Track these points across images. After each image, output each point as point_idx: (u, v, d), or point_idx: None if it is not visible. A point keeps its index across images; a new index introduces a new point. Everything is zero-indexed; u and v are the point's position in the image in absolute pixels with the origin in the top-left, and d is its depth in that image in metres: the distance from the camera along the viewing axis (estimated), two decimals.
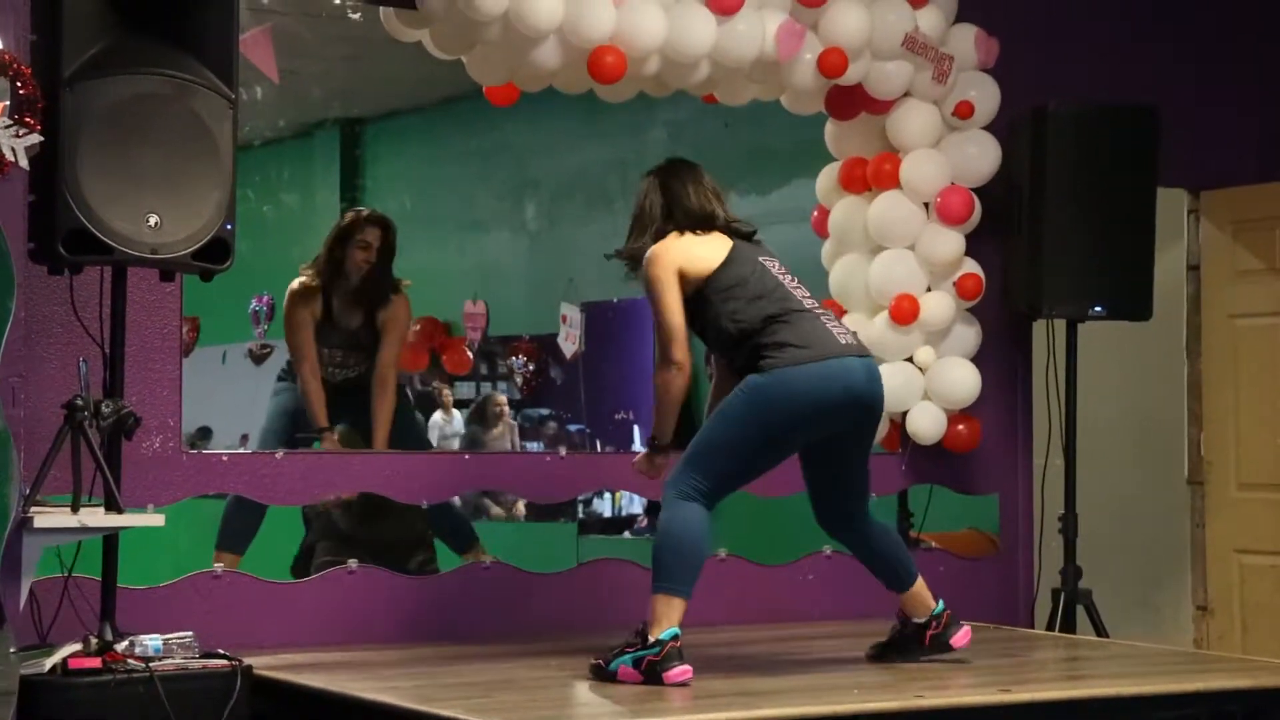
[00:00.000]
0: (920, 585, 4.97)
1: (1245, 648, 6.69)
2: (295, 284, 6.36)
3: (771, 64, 5.75)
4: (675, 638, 4.53)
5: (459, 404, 8.05)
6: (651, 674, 4.49)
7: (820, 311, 4.81)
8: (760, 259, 4.84)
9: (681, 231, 4.85)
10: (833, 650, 5.12)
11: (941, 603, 4.96)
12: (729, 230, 4.87)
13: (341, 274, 6.34)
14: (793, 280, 4.84)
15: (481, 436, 7.74)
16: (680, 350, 4.77)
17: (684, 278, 4.79)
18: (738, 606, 5.99)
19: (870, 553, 5.00)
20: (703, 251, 4.81)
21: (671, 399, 4.84)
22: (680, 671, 4.49)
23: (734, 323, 4.74)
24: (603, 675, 4.59)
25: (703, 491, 4.67)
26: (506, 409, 7.87)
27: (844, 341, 4.73)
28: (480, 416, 7.86)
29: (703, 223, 4.86)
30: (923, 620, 4.94)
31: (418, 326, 7.64)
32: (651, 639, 4.53)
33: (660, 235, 4.87)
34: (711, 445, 4.72)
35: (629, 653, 4.56)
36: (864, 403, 4.75)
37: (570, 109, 6.45)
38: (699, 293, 4.79)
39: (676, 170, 4.97)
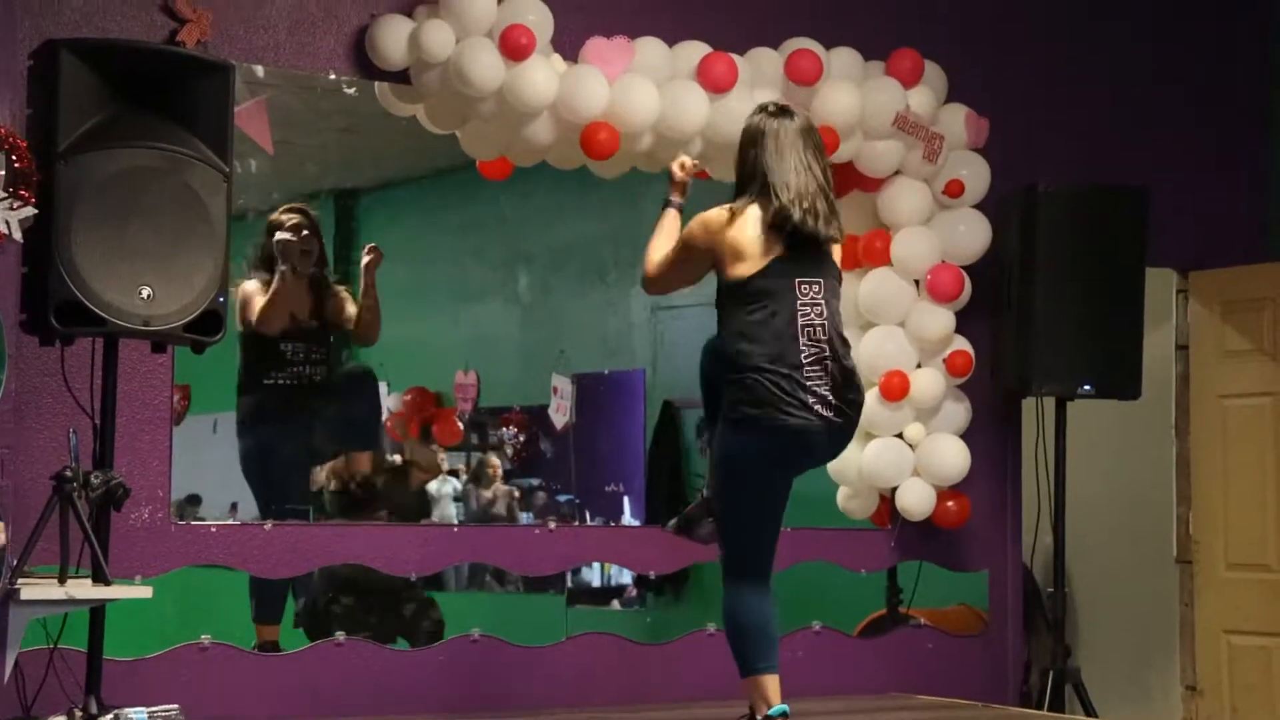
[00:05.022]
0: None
1: None
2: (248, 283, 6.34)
3: None
4: (784, 715, 4.54)
5: (449, 474, 8.06)
6: None
7: (814, 365, 4.55)
8: (798, 282, 4.58)
9: (745, 207, 4.63)
10: None
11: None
12: (791, 235, 4.58)
13: (277, 264, 6.32)
14: (819, 315, 4.59)
15: (475, 493, 7.79)
16: (644, 276, 4.82)
17: (716, 253, 4.62)
18: (726, 680, 5.97)
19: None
20: (748, 247, 4.58)
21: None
22: None
23: (734, 338, 4.59)
24: None
25: (740, 569, 4.67)
26: (499, 470, 7.90)
27: (813, 412, 4.53)
28: (476, 479, 7.93)
29: (774, 215, 4.59)
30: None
31: (408, 397, 7.65)
32: (759, 718, 4.56)
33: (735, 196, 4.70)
34: (722, 524, 4.73)
35: None
36: (806, 455, 4.66)
37: (563, 183, 6.48)
38: (723, 284, 4.64)
39: (777, 131, 4.68)
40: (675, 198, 4.94)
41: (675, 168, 5.01)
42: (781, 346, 4.55)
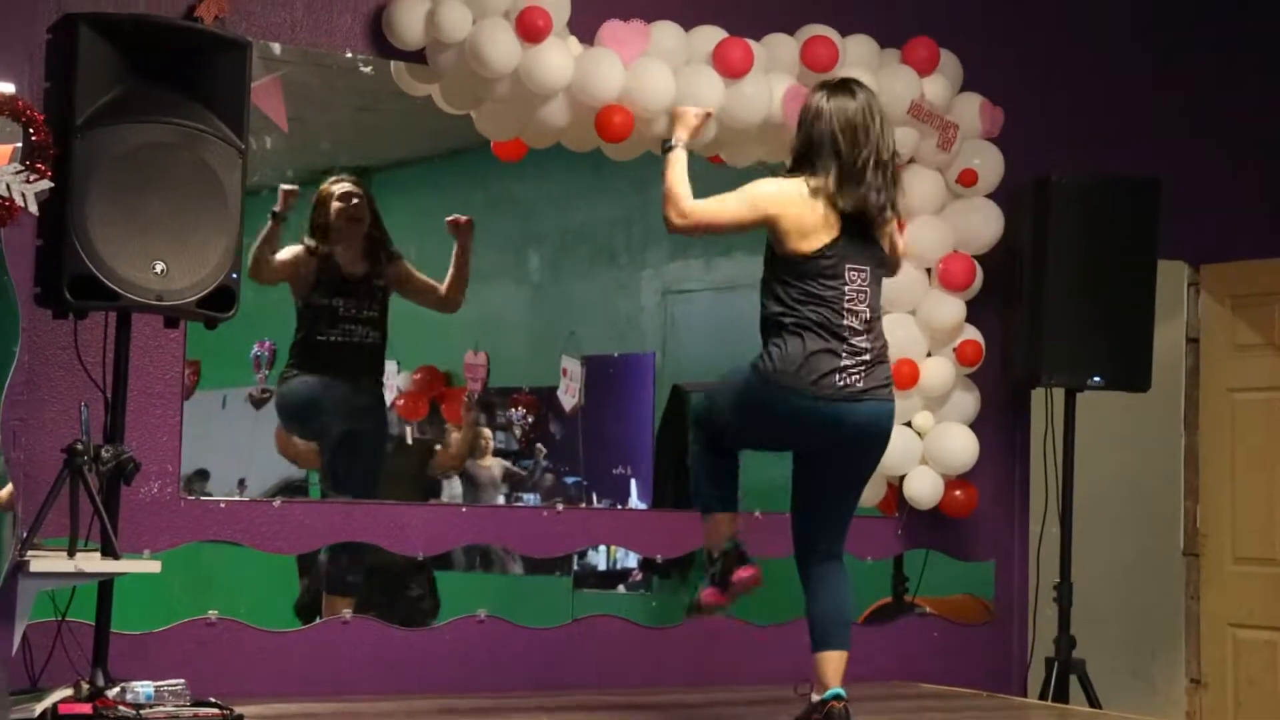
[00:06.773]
0: (838, 658, 4.72)
1: None
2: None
3: (778, 126, 5.79)
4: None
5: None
6: None
7: (851, 348, 4.59)
8: (849, 268, 4.61)
9: (809, 181, 4.63)
10: None
11: (840, 690, 4.66)
12: (847, 216, 4.61)
13: (334, 233, 6.37)
14: (863, 301, 4.63)
15: (474, 468, 7.82)
16: (677, 214, 4.68)
17: (773, 227, 4.62)
18: (735, 666, 5.99)
19: (819, 597, 4.81)
20: (810, 225, 4.60)
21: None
22: None
23: (774, 303, 4.63)
24: None
25: (713, 432, 4.79)
26: (491, 443, 7.94)
27: (840, 384, 4.57)
28: (471, 450, 7.97)
29: (832, 193, 4.61)
30: (815, 702, 4.68)
31: (418, 375, 7.66)
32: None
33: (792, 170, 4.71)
34: (722, 395, 4.81)
35: None
36: (848, 432, 4.65)
37: (577, 165, 6.48)
38: (778, 254, 4.63)
39: (843, 109, 4.66)
40: (682, 135, 4.94)
41: (691, 113, 5.06)
42: (826, 324, 4.57)
